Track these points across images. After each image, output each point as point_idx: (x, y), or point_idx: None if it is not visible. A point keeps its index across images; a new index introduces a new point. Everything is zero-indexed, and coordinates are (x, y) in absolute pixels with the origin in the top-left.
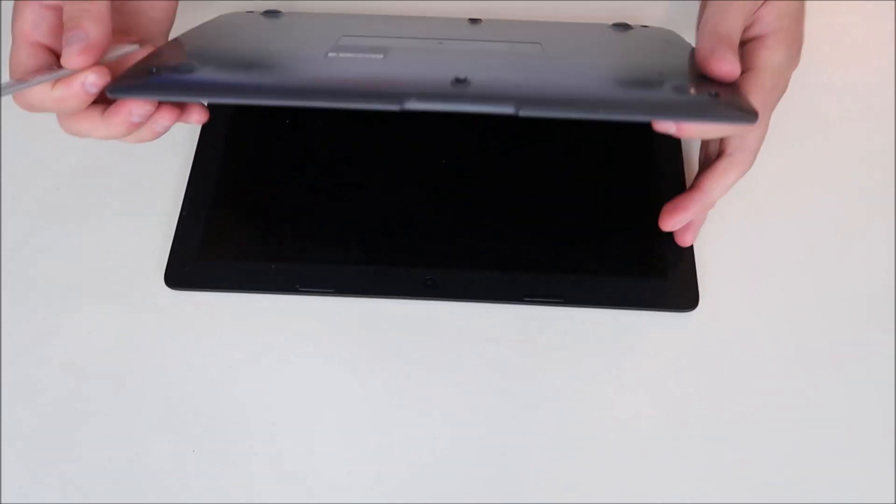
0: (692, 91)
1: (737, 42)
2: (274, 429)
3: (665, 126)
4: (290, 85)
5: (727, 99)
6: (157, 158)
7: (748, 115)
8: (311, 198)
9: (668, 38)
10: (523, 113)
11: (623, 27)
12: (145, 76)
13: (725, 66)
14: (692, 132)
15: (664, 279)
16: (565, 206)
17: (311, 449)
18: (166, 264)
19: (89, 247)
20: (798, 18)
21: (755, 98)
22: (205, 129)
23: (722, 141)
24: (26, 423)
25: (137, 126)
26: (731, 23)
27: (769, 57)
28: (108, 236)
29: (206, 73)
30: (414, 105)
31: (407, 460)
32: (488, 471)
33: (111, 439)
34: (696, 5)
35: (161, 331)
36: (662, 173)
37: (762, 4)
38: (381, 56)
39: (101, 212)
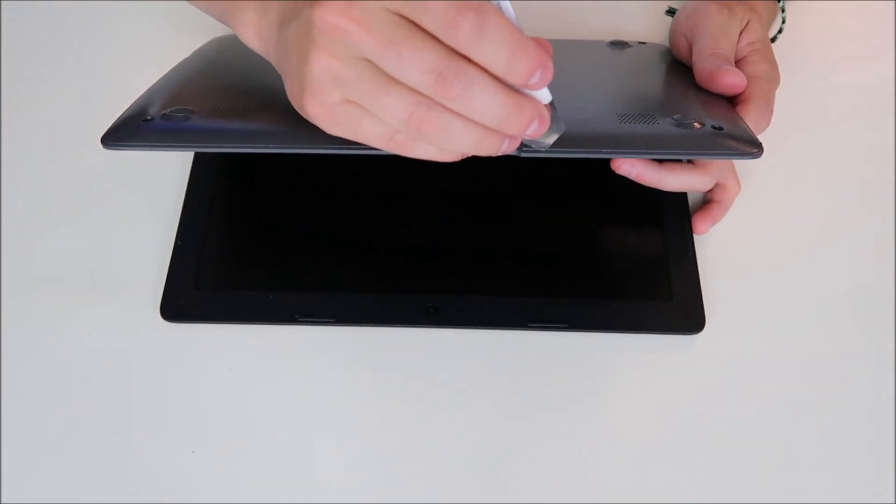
0: (696, 125)
1: (733, 62)
2: (274, 448)
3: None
4: (287, 132)
5: (731, 132)
6: (151, 185)
7: (753, 148)
8: (308, 225)
9: (666, 57)
10: (525, 154)
11: (620, 45)
12: (140, 125)
13: (733, 78)
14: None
15: (669, 302)
16: (568, 230)
17: (311, 473)
18: (162, 296)
19: (87, 260)
20: (767, 44)
21: (757, 99)
22: (198, 156)
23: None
24: (26, 423)
25: None
26: (726, 45)
27: (756, 68)
28: (107, 248)
29: (201, 120)
30: None
31: (408, 484)
32: (494, 497)
33: (111, 439)
34: None
35: (159, 355)
36: (665, 196)
37: (739, 35)
38: None
39: (95, 231)
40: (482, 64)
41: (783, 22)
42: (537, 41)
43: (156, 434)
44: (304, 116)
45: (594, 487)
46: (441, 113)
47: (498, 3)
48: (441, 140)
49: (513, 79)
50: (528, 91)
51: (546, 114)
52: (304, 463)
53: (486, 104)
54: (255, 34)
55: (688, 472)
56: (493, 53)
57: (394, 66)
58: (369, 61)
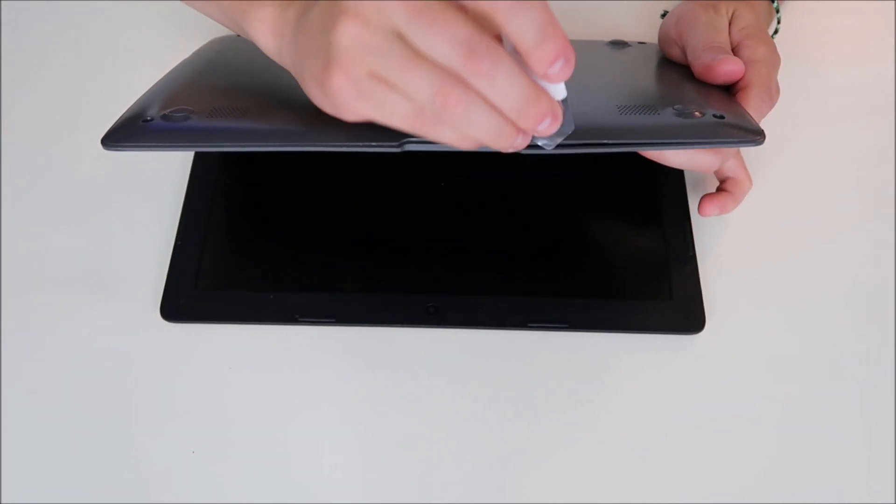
0: (697, 114)
1: (730, 52)
2: (275, 448)
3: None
4: (287, 130)
5: (732, 120)
6: (152, 185)
7: (755, 135)
8: (308, 225)
9: (663, 56)
10: (528, 151)
11: (620, 44)
12: (140, 125)
13: (730, 65)
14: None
15: (669, 302)
16: (569, 230)
17: (311, 473)
18: (162, 296)
19: (87, 260)
20: (759, 27)
21: (756, 85)
22: (198, 156)
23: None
24: (26, 423)
25: None
26: (720, 38)
27: (753, 52)
28: (108, 248)
29: (201, 120)
30: (414, 147)
31: (408, 483)
32: (494, 496)
33: (111, 439)
34: None
35: (159, 355)
36: (666, 196)
37: (729, 25)
38: None
39: (97, 229)
40: (513, 34)
41: (778, 22)
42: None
43: (156, 434)
44: (327, 95)
45: (595, 487)
46: (466, 92)
47: None
48: (463, 122)
49: (537, 57)
50: (545, 85)
51: (559, 112)
52: (305, 463)
53: (509, 87)
54: (269, 30)
55: (688, 471)
56: (525, 26)
57: (424, 38)
58: (399, 34)
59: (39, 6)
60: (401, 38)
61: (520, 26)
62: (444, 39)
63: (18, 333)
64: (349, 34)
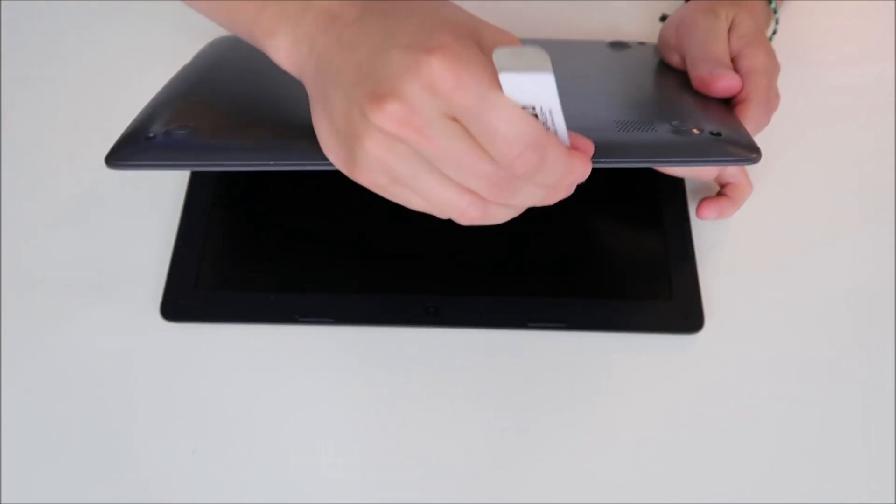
0: (694, 131)
1: (729, 63)
2: (275, 448)
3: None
4: (292, 148)
5: (730, 137)
6: (152, 185)
7: (751, 153)
8: (309, 225)
9: (662, 60)
10: None
11: (620, 45)
12: (143, 143)
13: (726, 81)
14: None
15: (669, 302)
16: (568, 230)
17: (311, 473)
18: (162, 296)
19: (87, 260)
20: (759, 34)
21: (756, 98)
22: None
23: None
24: (26, 423)
25: None
26: (717, 49)
27: (752, 62)
28: (108, 248)
29: (205, 137)
30: None
31: (407, 484)
32: (493, 496)
33: (111, 439)
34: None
35: (159, 355)
36: (666, 196)
37: (729, 33)
38: None
39: (98, 232)
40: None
41: (776, 23)
42: (578, 146)
43: (156, 434)
44: (350, 175)
45: (594, 487)
46: (487, 210)
47: (551, 118)
48: (482, 223)
49: (549, 198)
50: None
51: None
52: (305, 463)
53: (528, 199)
54: (287, 59)
55: (687, 471)
56: (541, 182)
57: (449, 170)
58: (423, 156)
59: (39, 6)
60: (426, 160)
61: (535, 183)
62: (469, 175)
63: (18, 333)
64: (375, 155)
